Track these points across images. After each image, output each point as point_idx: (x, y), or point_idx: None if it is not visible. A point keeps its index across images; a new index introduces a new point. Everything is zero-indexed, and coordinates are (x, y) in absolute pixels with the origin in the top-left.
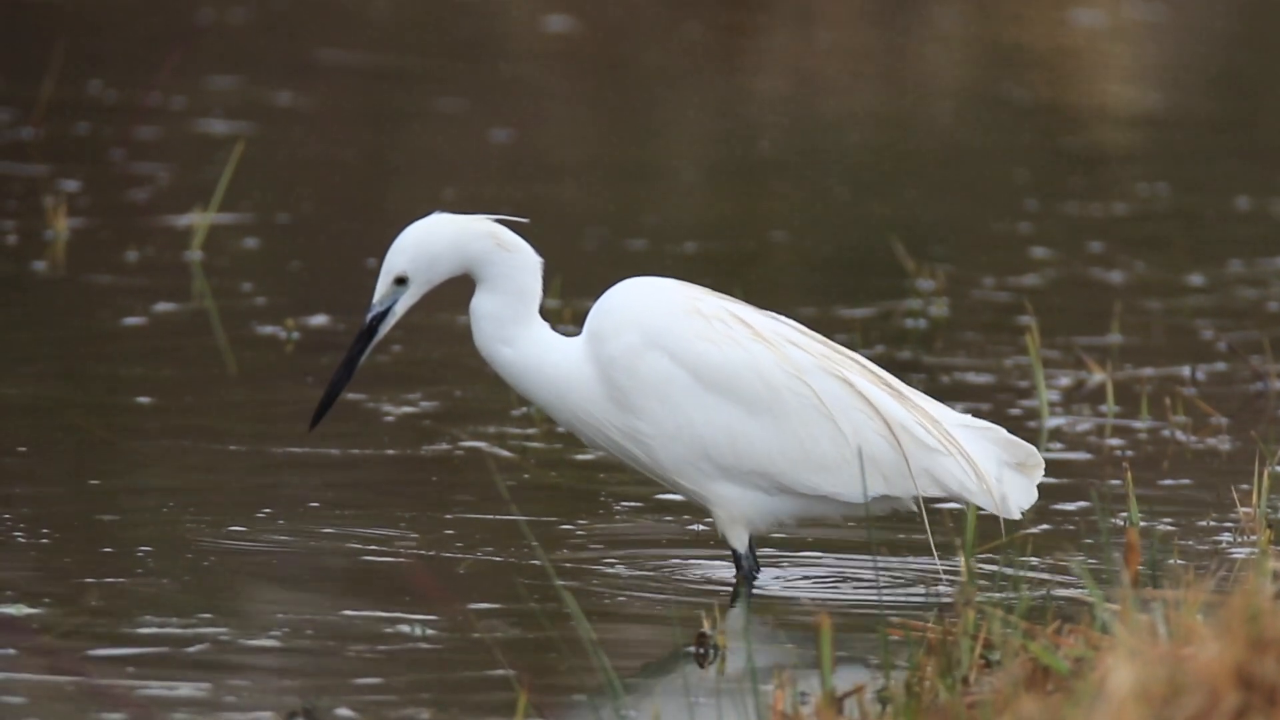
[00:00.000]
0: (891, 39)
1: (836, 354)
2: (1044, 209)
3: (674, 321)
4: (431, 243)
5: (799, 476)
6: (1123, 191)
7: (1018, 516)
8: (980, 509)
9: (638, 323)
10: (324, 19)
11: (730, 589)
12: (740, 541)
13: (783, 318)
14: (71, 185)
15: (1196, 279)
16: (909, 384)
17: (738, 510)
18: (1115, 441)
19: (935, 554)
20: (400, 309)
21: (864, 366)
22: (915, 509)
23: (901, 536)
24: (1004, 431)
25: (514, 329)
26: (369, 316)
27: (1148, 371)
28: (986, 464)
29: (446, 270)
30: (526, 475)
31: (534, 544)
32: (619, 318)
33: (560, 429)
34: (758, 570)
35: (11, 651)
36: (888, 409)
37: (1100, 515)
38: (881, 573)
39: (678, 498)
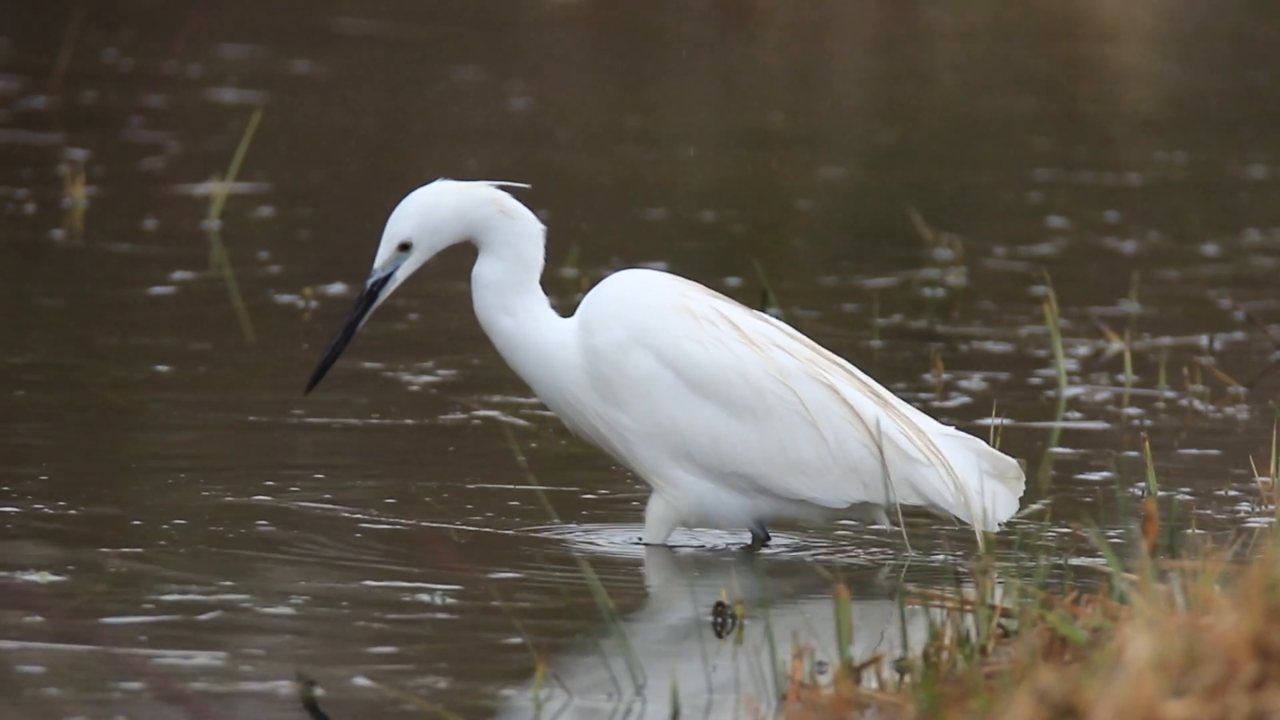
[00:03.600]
0: (905, 6)
1: (823, 359)
2: (1059, 178)
3: (662, 320)
4: (436, 209)
5: (779, 480)
6: (1137, 161)
7: (996, 529)
8: (961, 521)
9: (626, 318)
10: None
11: (747, 558)
12: (658, 536)
13: (772, 319)
14: (89, 154)
15: (1212, 248)
16: (928, 353)
17: (697, 506)
18: (1133, 411)
19: (905, 537)
20: (402, 275)
21: (850, 373)
22: (894, 518)
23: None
24: (985, 444)
25: (515, 298)
26: (370, 282)
27: (1165, 341)
28: (968, 475)
29: (450, 237)
30: (535, 444)
31: (551, 513)
32: (609, 311)
33: (550, 410)
34: (768, 540)
35: (31, 619)
36: (871, 417)
37: (1118, 485)
38: (899, 542)
39: None
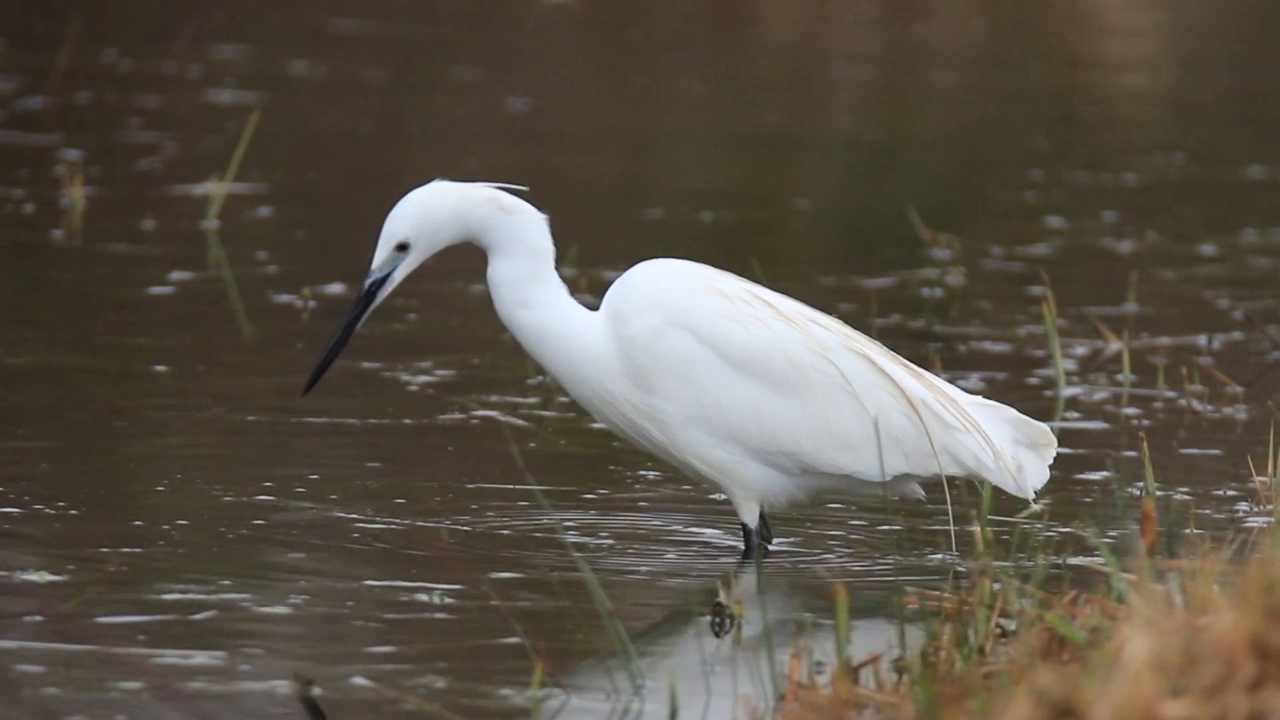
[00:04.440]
0: (902, 6)
1: (856, 334)
2: (1056, 179)
3: (697, 301)
4: (434, 210)
5: (825, 455)
6: (1134, 161)
7: (1032, 495)
8: (996, 487)
9: (660, 303)
10: None
11: (746, 558)
12: (752, 516)
13: (798, 302)
14: (87, 154)
15: (1210, 248)
16: (926, 353)
17: (755, 488)
18: (1132, 411)
19: (953, 528)
20: (399, 275)
21: (881, 347)
22: (933, 489)
23: (918, 503)
24: (1016, 411)
25: (532, 289)
26: (367, 282)
27: (1163, 341)
28: (1002, 442)
29: (448, 238)
30: (534, 444)
31: (550, 512)
32: (640, 298)
33: (572, 400)
34: (770, 539)
35: (30, 619)
36: (910, 387)
37: (1117, 485)
38: (897, 541)
39: None
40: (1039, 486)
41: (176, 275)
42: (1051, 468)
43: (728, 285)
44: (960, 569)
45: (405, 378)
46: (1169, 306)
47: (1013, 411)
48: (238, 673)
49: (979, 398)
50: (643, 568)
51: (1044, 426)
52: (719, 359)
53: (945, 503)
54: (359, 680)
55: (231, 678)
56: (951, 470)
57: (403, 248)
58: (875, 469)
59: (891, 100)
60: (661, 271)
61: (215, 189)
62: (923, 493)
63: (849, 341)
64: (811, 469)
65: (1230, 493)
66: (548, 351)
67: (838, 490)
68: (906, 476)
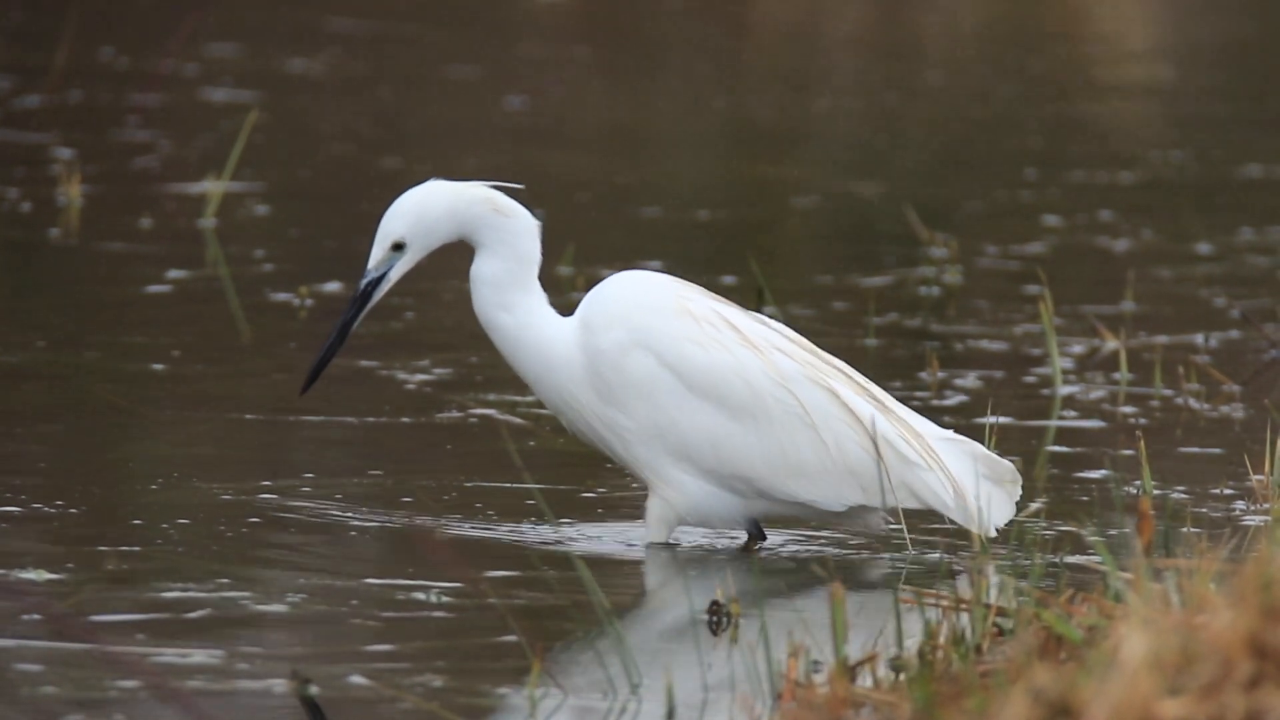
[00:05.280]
0: (897, 6)
1: (822, 362)
2: (1052, 177)
3: (663, 322)
4: (429, 209)
5: (778, 483)
6: (1131, 159)
7: (993, 534)
8: (956, 524)
9: (627, 320)
10: None
11: (743, 557)
12: (660, 535)
13: (770, 321)
14: (84, 152)
15: (1206, 247)
16: (923, 351)
17: (693, 506)
18: (1128, 409)
19: (905, 534)
20: (395, 275)
21: (849, 376)
22: (890, 522)
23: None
24: (982, 448)
25: (514, 295)
26: (364, 282)
27: (1160, 339)
28: (965, 479)
29: (443, 236)
30: (532, 443)
31: (547, 511)
32: (610, 312)
33: (548, 409)
34: (764, 537)
35: (28, 617)
36: (870, 420)
37: (1114, 483)
38: (894, 541)
39: None
40: (1001, 524)
41: (173, 274)
42: (1048, 471)
43: (696, 306)
44: (958, 568)
45: (402, 376)
46: (1166, 305)
47: (979, 447)
48: (235, 671)
49: (948, 432)
50: (639, 566)
51: (1009, 464)
52: (678, 381)
53: (908, 536)
54: (357, 678)
55: (229, 676)
56: (910, 504)
57: (399, 247)
58: (829, 499)
59: (888, 99)
60: (633, 286)
61: (212, 187)
62: (886, 524)
63: (812, 371)
64: (766, 494)
65: (1227, 491)
66: (520, 355)
67: (795, 518)
68: (864, 509)
